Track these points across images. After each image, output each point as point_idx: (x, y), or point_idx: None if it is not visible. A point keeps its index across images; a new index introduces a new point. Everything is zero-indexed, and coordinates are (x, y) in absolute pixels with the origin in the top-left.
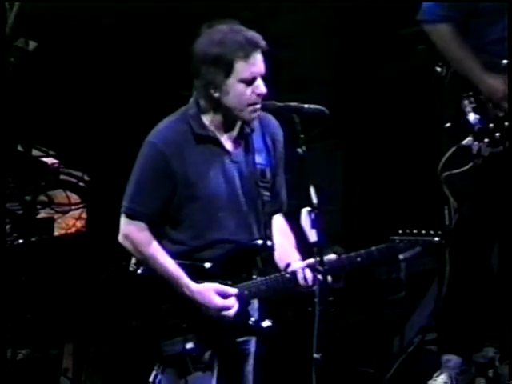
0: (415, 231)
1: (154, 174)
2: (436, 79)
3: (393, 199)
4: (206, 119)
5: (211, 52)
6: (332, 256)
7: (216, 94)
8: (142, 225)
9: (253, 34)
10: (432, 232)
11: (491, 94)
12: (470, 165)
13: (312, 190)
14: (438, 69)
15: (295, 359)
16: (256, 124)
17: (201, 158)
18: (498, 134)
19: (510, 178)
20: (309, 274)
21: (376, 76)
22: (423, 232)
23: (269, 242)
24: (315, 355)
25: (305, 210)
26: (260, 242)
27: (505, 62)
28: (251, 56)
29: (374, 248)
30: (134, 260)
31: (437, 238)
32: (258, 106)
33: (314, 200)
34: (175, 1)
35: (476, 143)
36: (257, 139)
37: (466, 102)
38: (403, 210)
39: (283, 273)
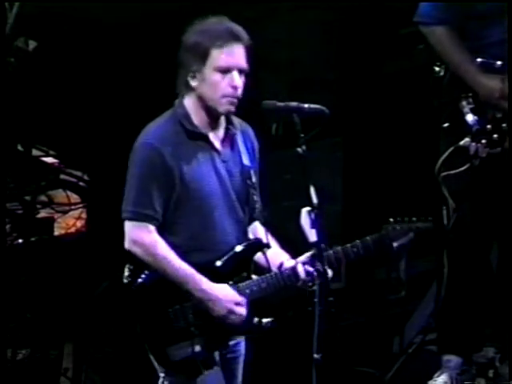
0: (406, 218)
1: (154, 174)
2: (434, 79)
3: (393, 199)
4: (194, 117)
5: (191, 40)
6: (329, 252)
7: (193, 83)
8: (150, 227)
9: (235, 27)
10: (423, 218)
11: (488, 95)
12: (468, 165)
13: (312, 190)
14: (437, 68)
15: (295, 359)
16: (237, 127)
17: (194, 156)
18: (495, 136)
19: (509, 179)
20: (309, 268)
21: (376, 75)
22: (414, 219)
23: (264, 240)
24: (315, 355)
25: (305, 210)
26: (257, 239)
27: (499, 63)
28: (228, 46)
29: (368, 237)
30: (127, 272)
31: (429, 224)
32: (234, 99)
33: (314, 200)
34: (175, 1)
35: (474, 144)
36: (240, 142)
37: (464, 102)
38: (403, 209)
39: (282, 270)
